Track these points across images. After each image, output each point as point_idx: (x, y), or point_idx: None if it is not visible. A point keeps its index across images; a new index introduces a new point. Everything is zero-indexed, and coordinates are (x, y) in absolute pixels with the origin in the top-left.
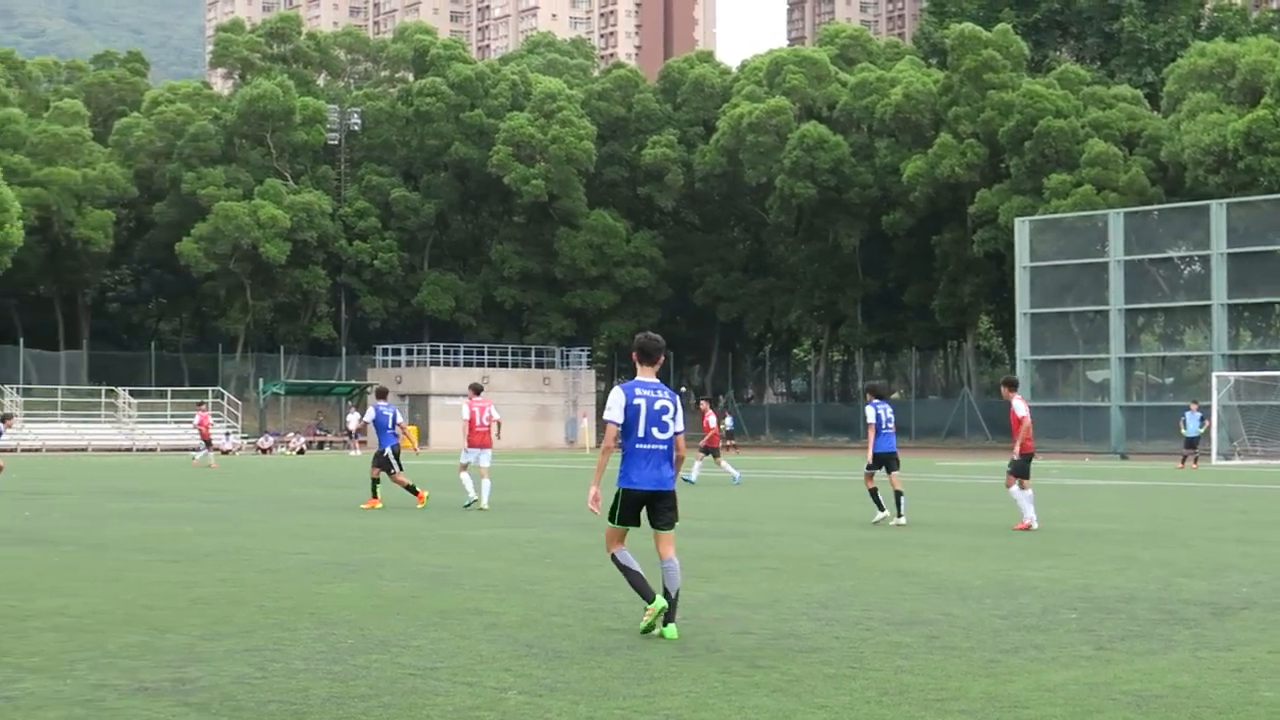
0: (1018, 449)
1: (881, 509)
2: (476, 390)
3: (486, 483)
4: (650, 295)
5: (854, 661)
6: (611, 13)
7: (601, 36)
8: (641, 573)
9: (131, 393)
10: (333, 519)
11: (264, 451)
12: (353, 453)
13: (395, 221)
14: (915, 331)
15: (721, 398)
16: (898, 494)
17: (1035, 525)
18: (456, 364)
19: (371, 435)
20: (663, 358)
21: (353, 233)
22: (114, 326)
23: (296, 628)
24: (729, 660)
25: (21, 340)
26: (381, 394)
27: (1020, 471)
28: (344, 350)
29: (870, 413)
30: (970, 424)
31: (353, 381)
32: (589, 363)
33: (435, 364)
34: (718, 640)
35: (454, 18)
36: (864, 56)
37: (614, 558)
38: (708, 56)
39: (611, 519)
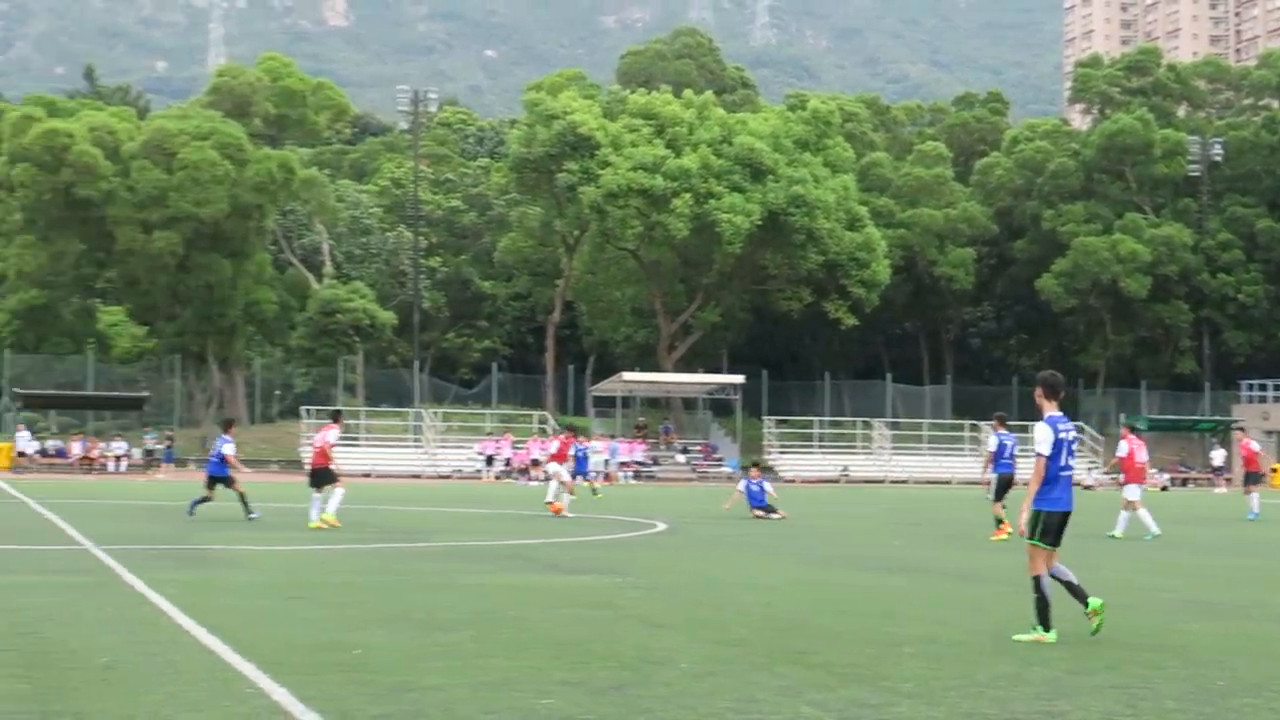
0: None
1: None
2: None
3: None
4: None
5: None
6: None
7: None
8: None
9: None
10: (1182, 556)
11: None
12: (1217, 489)
13: (1260, 254)
14: None
15: None
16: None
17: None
18: None
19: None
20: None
21: (1215, 265)
22: (976, 362)
23: (1164, 666)
24: None
25: (889, 375)
26: (1001, 420)
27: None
28: (1207, 385)
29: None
30: None
31: (1216, 418)
32: None
33: None
34: None
35: None
36: None
37: (1038, 580)
38: None
39: (1040, 541)
